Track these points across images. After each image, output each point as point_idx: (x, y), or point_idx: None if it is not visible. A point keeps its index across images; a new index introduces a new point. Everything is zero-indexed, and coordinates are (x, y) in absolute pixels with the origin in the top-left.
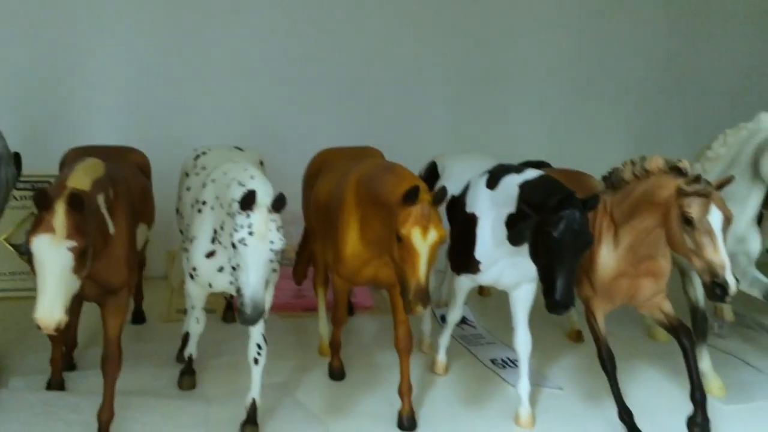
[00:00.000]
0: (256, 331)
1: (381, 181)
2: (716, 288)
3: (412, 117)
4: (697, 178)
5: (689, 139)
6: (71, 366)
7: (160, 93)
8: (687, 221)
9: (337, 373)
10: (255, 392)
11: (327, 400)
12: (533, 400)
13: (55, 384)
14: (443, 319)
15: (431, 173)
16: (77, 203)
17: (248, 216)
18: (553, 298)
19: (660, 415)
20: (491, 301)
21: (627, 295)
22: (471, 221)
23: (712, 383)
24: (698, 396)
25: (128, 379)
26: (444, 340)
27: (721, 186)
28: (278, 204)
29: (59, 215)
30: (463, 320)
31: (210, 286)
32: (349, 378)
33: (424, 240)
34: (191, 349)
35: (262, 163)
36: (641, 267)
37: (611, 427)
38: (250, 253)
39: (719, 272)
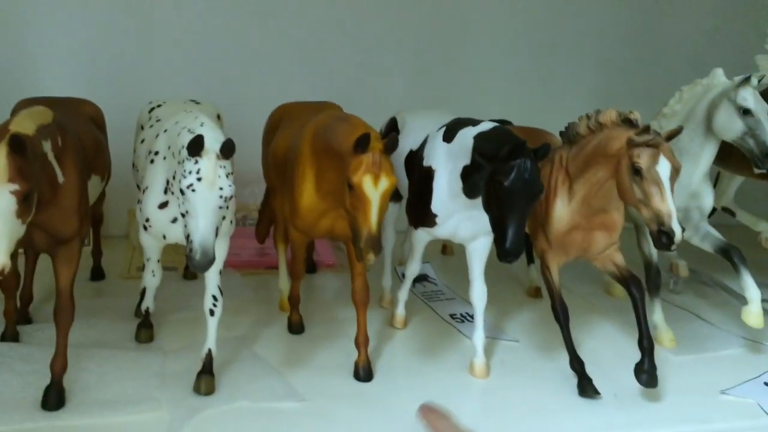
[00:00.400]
0: (212, 283)
1: (335, 131)
2: (662, 236)
3: (373, 74)
4: (647, 129)
5: (650, 99)
6: (27, 320)
7: (117, 47)
8: (636, 171)
9: (296, 327)
10: (211, 343)
11: (285, 352)
12: (490, 352)
13: (10, 337)
14: (404, 276)
15: (391, 128)
16: (18, 145)
17: (196, 162)
18: (504, 246)
19: (612, 365)
20: (454, 260)
21: (581, 248)
22: (428, 174)
23: (663, 335)
24: (646, 344)
25: (85, 332)
26: (403, 294)
27: (670, 137)
28: (227, 150)
29: (0, 158)
30: (425, 278)
31: (164, 237)
32: (308, 332)
33: (376, 188)
34: (148, 302)
35: (219, 117)
36: (595, 220)
37: (563, 377)
38: (199, 199)
39: (665, 221)
